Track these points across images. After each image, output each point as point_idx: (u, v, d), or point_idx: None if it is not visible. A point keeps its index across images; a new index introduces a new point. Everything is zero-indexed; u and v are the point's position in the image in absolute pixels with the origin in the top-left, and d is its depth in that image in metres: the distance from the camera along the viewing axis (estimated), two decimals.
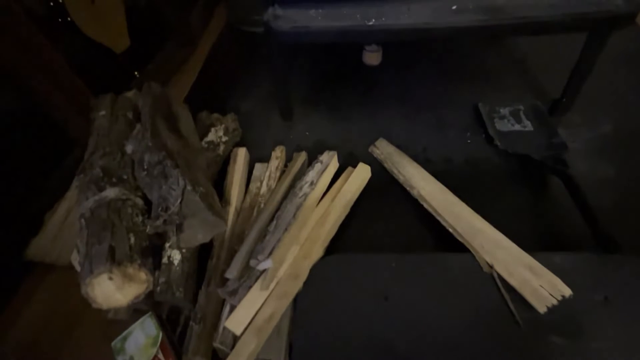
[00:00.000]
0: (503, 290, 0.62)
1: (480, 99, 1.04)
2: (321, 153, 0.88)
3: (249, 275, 0.65)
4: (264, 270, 0.64)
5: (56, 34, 0.90)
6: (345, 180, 0.83)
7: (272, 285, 0.64)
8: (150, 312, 0.69)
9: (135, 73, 1.13)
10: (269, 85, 1.21)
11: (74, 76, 0.94)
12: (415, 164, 0.87)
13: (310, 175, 0.78)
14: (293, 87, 1.10)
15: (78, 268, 0.70)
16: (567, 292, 0.60)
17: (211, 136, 0.93)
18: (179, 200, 0.56)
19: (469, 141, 0.96)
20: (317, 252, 0.70)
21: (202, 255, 0.75)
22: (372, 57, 1.08)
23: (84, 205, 0.63)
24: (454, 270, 0.67)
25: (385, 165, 0.89)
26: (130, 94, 0.94)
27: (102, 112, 0.84)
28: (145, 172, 0.64)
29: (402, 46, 1.22)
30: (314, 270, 0.68)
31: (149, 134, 0.66)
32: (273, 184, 0.85)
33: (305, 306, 0.66)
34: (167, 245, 0.70)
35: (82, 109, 0.94)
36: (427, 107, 1.06)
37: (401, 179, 0.85)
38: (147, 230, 0.58)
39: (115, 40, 1.02)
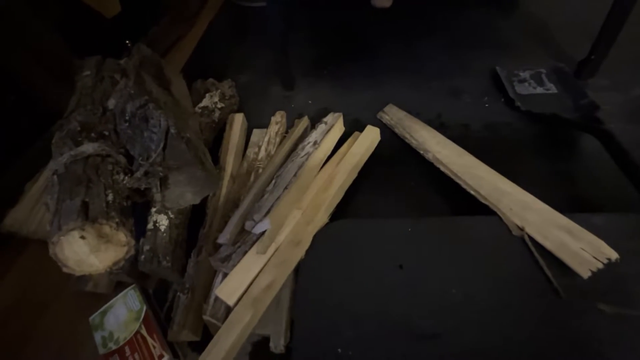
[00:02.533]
0: (537, 255, 0.54)
1: (497, 64, 0.96)
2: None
3: (245, 241, 0.57)
4: (261, 234, 0.56)
5: None
6: (352, 143, 0.75)
7: (270, 251, 0.56)
8: (133, 285, 0.61)
9: (127, 42, 1.06)
10: (268, 58, 1.14)
11: (57, 41, 0.87)
12: (429, 128, 0.79)
13: (314, 135, 0.70)
14: (294, 57, 1.03)
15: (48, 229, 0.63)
16: (613, 255, 0.52)
17: (205, 102, 0.85)
18: (160, 146, 0.48)
19: (486, 105, 0.88)
20: (321, 218, 0.62)
21: (194, 225, 0.67)
22: None
23: (59, 161, 0.56)
24: (478, 235, 0.59)
25: (396, 130, 0.81)
26: (122, 61, 0.87)
27: (87, 73, 0.77)
28: (127, 124, 0.57)
29: (408, 13, 1.15)
30: (318, 236, 0.60)
31: (132, 82, 0.59)
32: (272, 149, 0.77)
33: (309, 276, 0.57)
34: (152, 210, 0.63)
35: (64, 76, 0.88)
36: (438, 75, 0.98)
37: (414, 143, 0.77)
38: (126, 184, 0.51)
39: (105, 3, 0.96)
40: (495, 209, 0.60)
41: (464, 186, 0.65)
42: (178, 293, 0.56)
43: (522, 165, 0.74)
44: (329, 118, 0.75)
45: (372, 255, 0.59)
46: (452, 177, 0.68)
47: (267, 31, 0.93)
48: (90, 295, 0.65)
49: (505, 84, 0.88)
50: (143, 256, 0.58)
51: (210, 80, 0.91)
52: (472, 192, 0.64)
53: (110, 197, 0.52)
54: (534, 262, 0.54)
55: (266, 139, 0.78)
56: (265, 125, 0.87)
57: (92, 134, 0.60)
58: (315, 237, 0.60)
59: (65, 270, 0.50)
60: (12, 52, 0.79)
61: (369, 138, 0.75)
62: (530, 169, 0.74)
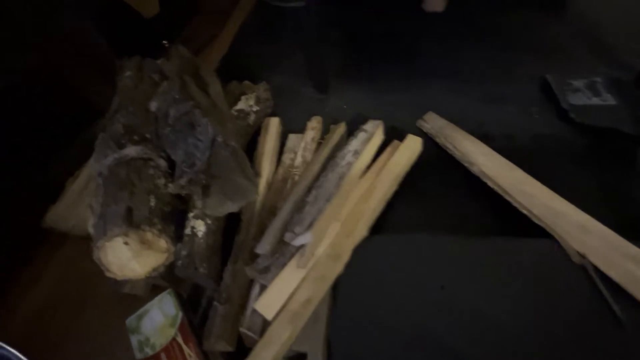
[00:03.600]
0: (601, 285, 0.49)
1: (546, 71, 0.90)
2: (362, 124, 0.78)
3: (283, 252, 0.55)
4: (301, 247, 0.55)
5: None
6: (392, 153, 0.72)
7: (308, 264, 0.54)
8: (169, 289, 0.61)
9: (164, 42, 1.07)
10: (301, 60, 1.12)
11: (100, 40, 0.89)
12: (473, 139, 0.74)
13: (354, 144, 0.68)
14: (328, 58, 1.01)
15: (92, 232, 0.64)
16: None
17: (241, 104, 0.84)
18: (207, 154, 0.47)
19: (536, 116, 0.82)
20: (361, 231, 0.60)
21: (228, 231, 0.66)
22: (437, 0, 0.94)
23: (103, 163, 0.56)
24: (531, 259, 0.55)
25: (437, 140, 0.78)
26: (158, 61, 0.88)
27: (128, 73, 0.78)
28: (170, 128, 0.56)
29: (449, 14, 1.10)
30: (357, 251, 0.58)
31: (176, 86, 0.58)
32: (309, 155, 0.75)
33: (347, 292, 0.55)
34: (190, 215, 0.62)
35: (106, 74, 0.89)
36: (481, 80, 0.93)
37: (457, 154, 0.73)
38: (170, 190, 0.50)
39: (145, 4, 0.96)
40: (551, 231, 0.56)
41: (515, 204, 0.61)
42: (215, 302, 0.56)
43: (573, 182, 0.69)
44: (368, 126, 0.73)
45: (413, 273, 0.56)
46: (501, 193, 0.64)
47: (302, 32, 0.92)
48: (125, 295, 0.65)
49: (557, 94, 0.82)
50: (180, 262, 0.57)
51: (247, 82, 0.90)
52: (524, 211, 0.60)
53: (152, 203, 0.52)
54: (597, 292, 0.49)
55: (302, 145, 0.76)
56: (297, 129, 0.86)
57: (135, 137, 0.60)
58: (354, 251, 0.58)
59: (107, 274, 0.50)
60: (56, 48, 0.81)
61: (411, 148, 0.72)
62: (583, 187, 0.68)
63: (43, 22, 0.76)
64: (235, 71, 1.12)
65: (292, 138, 0.81)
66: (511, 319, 0.51)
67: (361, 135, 0.70)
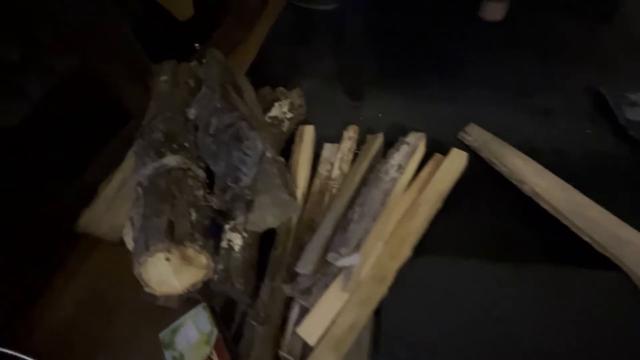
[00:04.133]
0: None
1: (599, 82, 0.84)
2: (402, 136, 0.74)
3: (325, 272, 0.52)
4: (344, 268, 0.52)
5: None
6: (435, 168, 0.68)
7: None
8: (203, 304, 0.59)
9: (196, 45, 1.06)
10: (333, 65, 1.10)
11: (135, 41, 0.88)
12: (522, 155, 0.70)
13: (397, 158, 0.64)
14: (363, 65, 0.98)
15: (129, 244, 0.63)
16: None
17: (275, 111, 0.82)
18: (254, 170, 0.44)
19: (588, 131, 0.77)
20: (405, 251, 0.57)
21: (263, 244, 0.64)
22: (497, 8, 0.90)
23: (142, 173, 0.55)
24: (596, 293, 0.50)
25: (482, 154, 0.74)
26: (191, 64, 0.86)
27: (164, 78, 0.77)
28: (212, 138, 0.54)
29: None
30: (402, 274, 0.55)
31: (218, 95, 0.56)
32: (346, 167, 0.72)
33: (391, 317, 0.52)
34: (227, 227, 0.60)
35: (140, 77, 0.89)
36: (528, 91, 0.88)
37: (505, 171, 0.69)
38: (213, 205, 0.48)
39: (180, 6, 0.96)
40: (617, 262, 0.51)
41: (574, 229, 0.57)
42: (252, 321, 0.53)
43: (635, 207, 0.64)
44: (411, 138, 0.69)
45: (461, 299, 0.53)
46: (558, 216, 0.59)
47: (339, 36, 0.89)
48: (157, 305, 0.64)
49: (613, 108, 0.77)
50: (217, 276, 0.55)
51: (280, 88, 0.88)
52: (586, 238, 0.55)
53: (193, 216, 0.50)
54: None
55: (339, 156, 0.74)
56: (331, 137, 0.83)
57: (174, 145, 0.59)
58: (399, 274, 0.54)
59: (147, 289, 0.48)
60: (95, 50, 0.80)
61: (455, 163, 0.68)
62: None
63: (85, 24, 0.76)
64: (265, 75, 1.11)
65: (327, 147, 0.78)
66: (574, 354, 0.47)
67: (404, 149, 0.66)
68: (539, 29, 1.04)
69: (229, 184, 0.46)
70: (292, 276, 0.57)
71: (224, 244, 0.58)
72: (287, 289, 0.54)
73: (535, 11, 1.08)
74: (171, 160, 0.56)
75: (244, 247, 0.59)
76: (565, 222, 0.58)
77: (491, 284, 0.54)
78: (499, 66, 0.95)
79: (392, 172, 0.61)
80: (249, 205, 0.48)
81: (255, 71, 1.14)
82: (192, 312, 0.58)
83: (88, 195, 0.78)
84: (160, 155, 0.57)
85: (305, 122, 0.89)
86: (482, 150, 0.74)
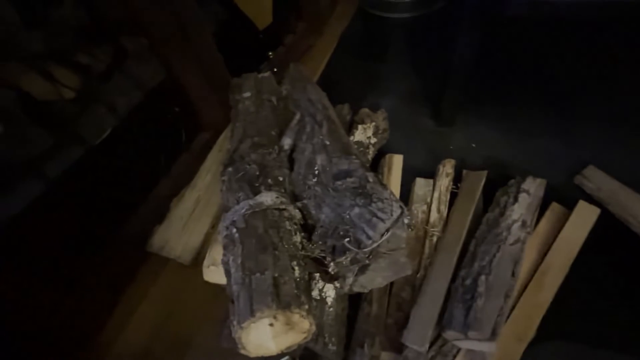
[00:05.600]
0: None
1: None
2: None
3: (440, 350, 0.45)
4: (466, 349, 0.44)
5: None
6: (555, 222, 0.58)
7: None
8: (288, 357, 0.53)
9: (270, 54, 1.00)
10: (412, 81, 1.00)
11: (215, 49, 0.84)
12: None
13: (517, 210, 0.55)
14: (454, 86, 0.87)
15: (211, 278, 0.58)
16: None
17: (359, 136, 0.75)
18: (385, 236, 0.37)
19: None
20: (532, 331, 0.48)
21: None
22: None
23: (236, 210, 0.49)
24: None
25: (610, 208, 0.62)
26: (266, 74, 0.81)
27: (247, 94, 0.72)
28: (316, 179, 0.47)
29: (616, 47, 0.89)
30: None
31: (326, 129, 0.50)
32: (444, 209, 0.63)
33: None
34: (317, 275, 0.54)
35: (217, 88, 0.84)
36: None
37: None
38: (330, 270, 0.42)
39: (260, 14, 0.90)
40: None
41: None
42: None
43: None
44: (530, 185, 0.59)
45: None
46: None
47: (418, 48, 0.77)
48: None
49: None
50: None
51: (365, 110, 0.80)
52: None
53: (297, 273, 0.44)
54: None
55: (436, 196, 0.65)
56: (416, 167, 0.74)
57: (269, 180, 0.53)
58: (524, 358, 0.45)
59: (242, 351, 0.43)
60: (181, 62, 0.76)
61: (585, 221, 0.57)
62: None
63: (173, 35, 0.72)
64: (336, 90, 1.03)
65: (420, 184, 0.69)
66: None
67: (523, 199, 0.56)
68: None
69: (347, 245, 0.39)
70: (392, 341, 0.49)
71: (314, 294, 0.52)
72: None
73: None
74: (267, 198, 0.50)
75: (336, 300, 0.52)
76: None
77: None
78: (624, 98, 0.81)
79: (516, 231, 0.51)
80: (363, 268, 0.41)
81: (325, 83, 1.07)
82: None
83: (160, 211, 0.75)
84: (255, 190, 0.51)
85: (386, 147, 0.81)
86: (610, 203, 0.62)
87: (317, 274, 0.47)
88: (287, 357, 0.54)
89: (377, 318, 0.52)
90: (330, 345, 0.49)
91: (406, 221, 0.38)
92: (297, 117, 0.59)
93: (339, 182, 0.43)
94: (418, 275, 0.54)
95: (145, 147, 0.81)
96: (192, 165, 0.81)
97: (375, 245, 0.38)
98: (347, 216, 0.42)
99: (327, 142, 0.48)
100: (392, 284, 0.56)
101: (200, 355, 0.61)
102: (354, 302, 0.57)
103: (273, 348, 0.44)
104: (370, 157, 0.74)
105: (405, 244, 0.41)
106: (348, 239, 0.40)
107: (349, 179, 0.42)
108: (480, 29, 0.63)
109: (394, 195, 0.40)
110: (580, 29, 0.98)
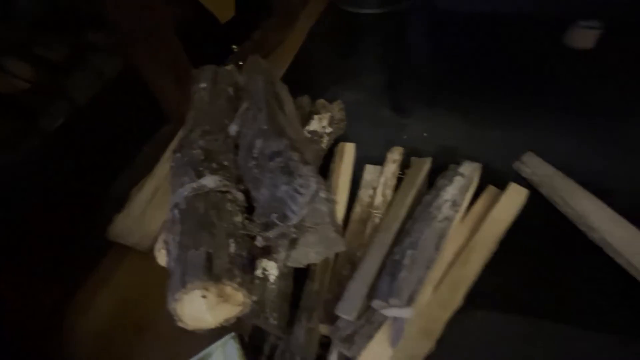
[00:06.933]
0: None
1: None
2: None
3: (369, 320, 0.48)
4: (391, 318, 0.47)
5: None
6: (489, 203, 0.62)
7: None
8: (233, 334, 0.56)
9: (234, 47, 1.02)
10: (376, 75, 1.03)
11: (177, 42, 0.85)
12: (592, 196, 0.62)
13: (450, 191, 0.58)
14: (412, 78, 0.91)
15: (161, 261, 0.60)
16: None
17: (315, 125, 0.78)
18: (305, 210, 0.40)
19: None
20: (457, 300, 0.51)
21: (296, 273, 0.60)
22: (588, 35, 0.81)
23: (180, 193, 0.52)
24: None
25: (542, 190, 0.66)
26: (229, 67, 0.83)
27: (203, 85, 0.74)
28: (255, 162, 0.50)
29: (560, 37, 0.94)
30: (453, 327, 0.49)
31: (264, 114, 0.52)
32: (389, 193, 0.67)
33: None
34: (268, 257, 0.56)
35: (178, 80, 0.86)
36: (604, 118, 0.78)
37: (570, 213, 0.61)
38: (257, 243, 0.44)
39: (222, 8, 0.92)
40: None
41: None
42: None
43: None
44: (466, 169, 0.63)
45: None
46: (634, 274, 0.52)
47: (385, 43, 0.82)
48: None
49: None
50: (250, 308, 0.52)
51: (321, 101, 0.83)
52: None
53: (232, 248, 0.46)
54: None
55: (382, 180, 0.68)
56: (371, 156, 0.77)
57: (214, 164, 0.55)
58: (449, 327, 0.49)
59: (179, 324, 0.45)
60: (142, 53, 0.78)
61: (514, 201, 0.61)
62: None
63: (134, 27, 0.73)
64: (302, 83, 1.05)
65: (369, 170, 0.73)
66: None
67: (458, 181, 0.60)
68: (626, 55, 0.92)
69: (275, 220, 0.42)
70: (329, 314, 0.52)
71: (258, 272, 0.55)
72: (326, 331, 0.50)
73: (628, 37, 0.96)
74: (210, 181, 0.52)
75: (279, 277, 0.55)
76: None
77: (552, 349, 0.47)
78: (573, 88, 0.85)
79: (446, 210, 0.55)
80: (292, 243, 0.44)
81: (292, 77, 1.09)
82: (221, 342, 0.55)
83: (120, 201, 0.77)
84: (199, 174, 0.54)
85: (344, 137, 0.84)
86: (542, 186, 0.66)
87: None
88: (233, 334, 0.57)
89: (318, 294, 0.55)
90: (271, 319, 0.52)
91: (323, 195, 0.41)
92: (245, 105, 0.62)
93: (272, 163, 0.46)
94: (358, 254, 0.58)
95: (107, 139, 0.82)
96: (154, 156, 0.83)
97: (297, 219, 0.41)
98: (279, 194, 0.45)
99: (265, 127, 0.50)
100: (334, 262, 0.59)
101: (156, 338, 0.63)
102: (302, 282, 0.60)
103: (210, 320, 0.47)
104: (324, 145, 0.77)
105: (332, 219, 0.44)
106: (276, 215, 0.43)
107: (277, 159, 0.45)
108: (425, 23, 0.67)
109: (312, 172, 0.42)
110: (529, 25, 1.03)
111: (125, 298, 0.68)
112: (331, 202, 0.42)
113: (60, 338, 0.64)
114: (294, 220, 0.41)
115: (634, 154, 0.71)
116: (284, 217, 0.42)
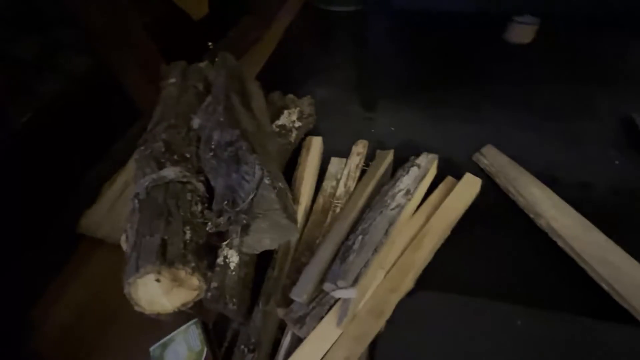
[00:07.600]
0: None
1: (632, 108, 0.78)
2: (412, 155, 0.71)
3: (321, 302, 0.50)
4: (340, 299, 0.49)
5: None
6: (446, 192, 0.65)
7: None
8: (195, 320, 0.58)
9: (209, 44, 1.04)
10: (348, 71, 1.06)
11: (148, 39, 0.87)
12: (541, 185, 0.65)
13: (405, 181, 0.61)
14: (382, 74, 0.94)
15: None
16: None
17: (283, 119, 0.80)
18: (251, 196, 0.42)
19: (616, 162, 0.71)
20: (407, 284, 0.54)
21: (260, 262, 0.62)
22: (525, 31, 0.84)
23: (140, 183, 0.53)
24: (607, 347, 0.46)
25: (497, 180, 0.69)
26: (202, 64, 0.85)
27: (172, 80, 0.75)
28: (212, 153, 0.52)
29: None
30: (402, 308, 0.52)
31: (222, 107, 0.54)
32: (352, 184, 0.69)
33: (386, 355, 0.50)
34: (223, 243, 0.58)
35: (152, 77, 0.87)
36: (553, 115, 0.82)
37: (521, 201, 0.64)
38: (208, 229, 0.46)
39: (195, 6, 0.94)
40: (638, 316, 0.47)
41: (592, 274, 0.53)
42: (242, 346, 0.52)
43: None
44: (422, 160, 0.65)
45: (462, 340, 0.50)
46: (574, 257, 0.55)
47: (357, 41, 0.84)
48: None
49: None
50: (210, 294, 0.54)
51: (291, 96, 0.85)
52: (604, 285, 0.51)
53: (188, 235, 0.49)
54: None
55: (346, 172, 0.71)
56: (339, 150, 0.80)
57: (175, 156, 0.57)
58: (398, 308, 0.52)
59: (136, 308, 0.47)
60: (112, 50, 0.79)
61: (468, 190, 0.64)
62: None
63: (105, 24, 0.75)
64: (277, 79, 1.08)
65: (334, 162, 0.75)
66: None
67: (413, 171, 0.63)
68: (569, 51, 0.97)
69: (225, 207, 0.44)
70: (288, 300, 0.55)
71: (219, 260, 0.57)
72: (281, 314, 0.52)
73: (566, 33, 1.01)
74: (170, 172, 0.54)
75: (240, 265, 0.57)
76: (583, 265, 0.54)
77: (497, 326, 0.50)
78: (524, 88, 0.89)
79: (399, 198, 0.58)
80: (245, 229, 0.46)
81: (267, 74, 1.11)
82: (183, 328, 0.57)
83: (92, 195, 0.78)
84: (160, 166, 0.56)
85: (315, 131, 0.87)
86: (498, 176, 0.70)
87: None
88: (195, 320, 0.59)
89: (277, 279, 0.57)
90: (230, 305, 0.54)
91: (267, 182, 0.43)
92: (208, 99, 0.63)
93: (225, 153, 0.48)
94: (317, 242, 0.60)
95: (79, 136, 0.83)
96: (127, 152, 0.84)
97: (245, 205, 0.43)
98: (230, 182, 0.47)
99: (222, 119, 0.52)
100: (295, 250, 0.61)
101: (123, 329, 0.65)
102: (264, 270, 0.62)
103: (167, 305, 0.49)
104: (293, 139, 0.79)
105: (282, 207, 0.47)
106: (227, 202, 0.45)
107: (229, 149, 0.47)
108: (381, 22, 0.69)
109: (258, 160, 0.45)
110: (478, 23, 1.07)
111: (95, 290, 0.70)
112: (278, 189, 0.44)
113: (28, 329, 0.65)
114: (242, 206, 0.43)
115: (581, 146, 0.75)
116: (233, 204, 0.44)
